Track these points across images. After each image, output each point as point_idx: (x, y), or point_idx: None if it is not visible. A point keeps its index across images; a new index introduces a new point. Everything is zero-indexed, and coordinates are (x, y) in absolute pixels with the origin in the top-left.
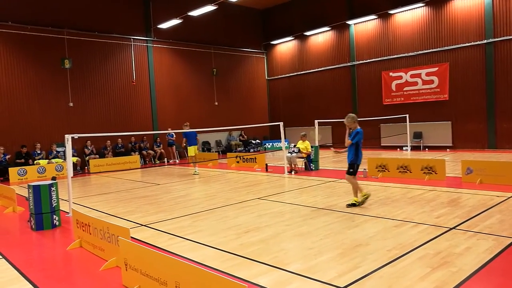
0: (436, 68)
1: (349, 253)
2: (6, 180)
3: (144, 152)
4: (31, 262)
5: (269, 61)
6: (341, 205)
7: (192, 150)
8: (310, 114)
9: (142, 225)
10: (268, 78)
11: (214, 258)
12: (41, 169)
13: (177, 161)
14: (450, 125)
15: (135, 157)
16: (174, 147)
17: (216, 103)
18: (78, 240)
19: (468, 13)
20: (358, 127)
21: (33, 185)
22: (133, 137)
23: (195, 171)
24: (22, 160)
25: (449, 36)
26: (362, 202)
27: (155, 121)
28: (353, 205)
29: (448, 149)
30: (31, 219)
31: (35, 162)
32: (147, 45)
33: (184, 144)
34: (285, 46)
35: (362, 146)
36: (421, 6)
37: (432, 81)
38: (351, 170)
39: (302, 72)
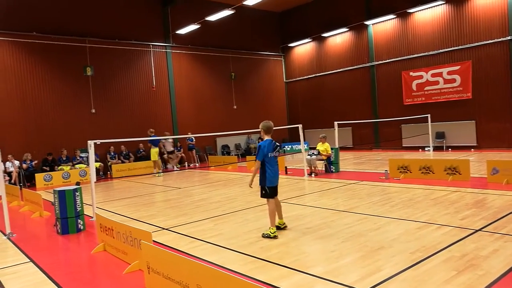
0: (458, 67)
1: (371, 255)
2: (33, 185)
3: (165, 157)
4: (58, 266)
5: (287, 63)
6: (362, 207)
7: (155, 155)
8: (330, 116)
9: (164, 228)
10: (286, 80)
11: (235, 261)
12: (66, 175)
13: (197, 164)
14: (474, 124)
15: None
16: (194, 151)
17: (235, 107)
18: (102, 243)
19: (490, 9)
20: (267, 138)
21: (58, 190)
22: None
23: (159, 174)
24: (48, 168)
25: (471, 34)
26: (269, 235)
27: (175, 126)
28: (267, 236)
29: (472, 149)
30: (57, 223)
31: (59, 168)
32: (166, 51)
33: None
34: (303, 48)
35: (381, 147)
36: (441, 4)
37: (454, 80)
38: (263, 192)
39: (320, 74)
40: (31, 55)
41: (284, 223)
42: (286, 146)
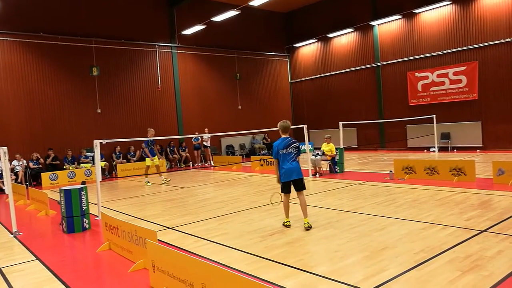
0: (464, 67)
1: (375, 256)
2: (38, 184)
3: (170, 156)
4: (63, 264)
5: (292, 64)
6: (367, 208)
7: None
8: (335, 116)
9: (169, 227)
10: (291, 81)
11: (240, 261)
12: (71, 174)
13: (200, 164)
14: (480, 125)
15: (161, 161)
16: (199, 150)
17: (240, 107)
18: (107, 242)
19: (497, 9)
20: (282, 137)
21: (64, 189)
22: (158, 146)
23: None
24: (56, 162)
25: (478, 34)
26: (283, 223)
27: (180, 126)
28: (283, 224)
29: (478, 150)
30: (63, 222)
31: (64, 167)
32: (171, 51)
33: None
34: (308, 49)
35: (386, 148)
36: (447, 4)
37: (460, 81)
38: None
39: (325, 74)
40: (38, 55)
41: (307, 224)
42: None
